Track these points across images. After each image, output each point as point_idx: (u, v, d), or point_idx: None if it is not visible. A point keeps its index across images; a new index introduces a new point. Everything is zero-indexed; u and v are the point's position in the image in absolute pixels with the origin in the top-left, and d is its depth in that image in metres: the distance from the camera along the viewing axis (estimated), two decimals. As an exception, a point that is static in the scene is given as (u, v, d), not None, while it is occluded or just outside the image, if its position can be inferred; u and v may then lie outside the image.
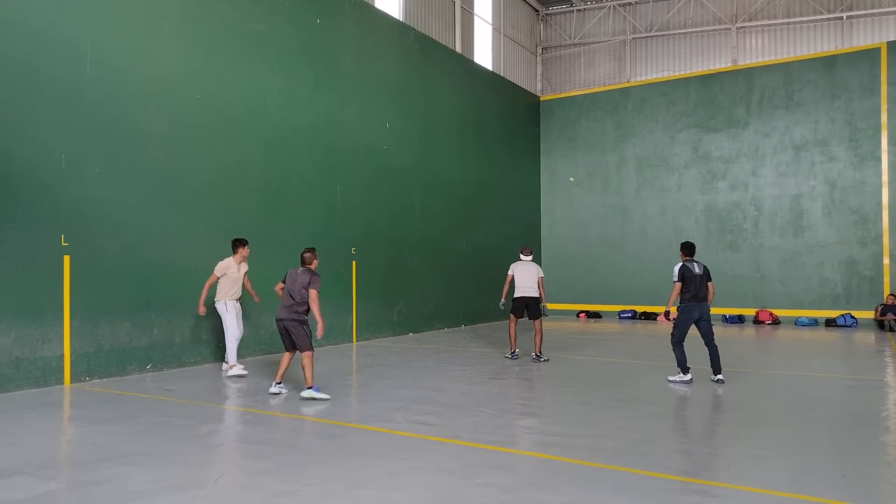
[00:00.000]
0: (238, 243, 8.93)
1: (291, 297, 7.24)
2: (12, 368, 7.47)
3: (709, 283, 8.26)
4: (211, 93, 9.93)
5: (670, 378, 8.22)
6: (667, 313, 8.40)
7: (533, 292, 10.03)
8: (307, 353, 7.15)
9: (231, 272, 8.78)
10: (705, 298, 8.19)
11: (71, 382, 7.99)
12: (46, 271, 7.82)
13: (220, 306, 8.81)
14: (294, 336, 7.22)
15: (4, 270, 7.44)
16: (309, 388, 7.11)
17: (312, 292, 7.18)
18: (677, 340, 8.15)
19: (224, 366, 8.99)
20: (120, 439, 5.40)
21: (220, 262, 8.82)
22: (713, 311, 18.61)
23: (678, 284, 8.14)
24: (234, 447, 5.16)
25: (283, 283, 7.41)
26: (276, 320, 7.34)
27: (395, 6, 14.96)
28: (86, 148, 8.27)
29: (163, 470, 4.58)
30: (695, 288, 8.10)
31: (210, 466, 4.67)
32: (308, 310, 7.28)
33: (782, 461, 4.83)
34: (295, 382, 7.91)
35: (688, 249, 8.44)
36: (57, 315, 7.91)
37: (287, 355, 7.46)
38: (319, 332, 7.26)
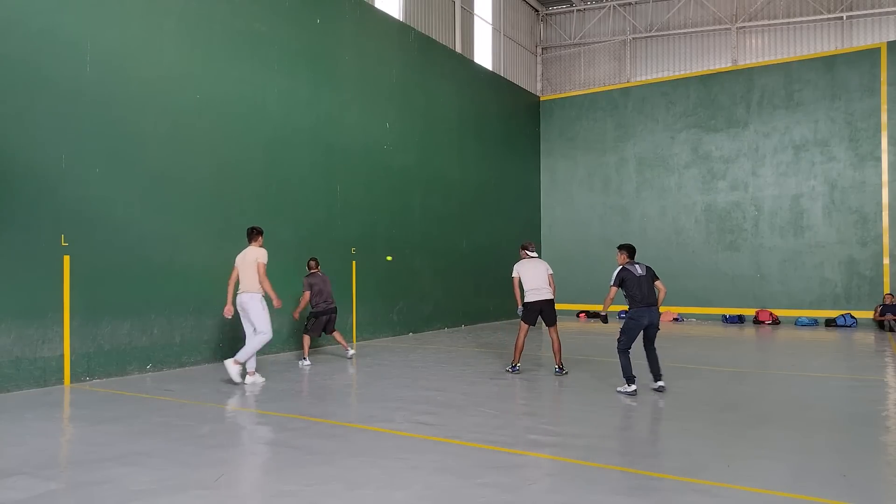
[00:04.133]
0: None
1: (328, 295, 10.00)
2: (12, 368, 7.47)
3: (657, 283, 7.59)
4: (211, 93, 9.93)
5: (618, 389, 7.54)
6: (603, 317, 7.97)
7: (547, 294, 8.80)
8: (337, 331, 10.19)
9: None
10: (655, 302, 7.48)
11: (71, 382, 7.99)
12: (46, 271, 7.82)
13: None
14: (334, 321, 10.12)
15: (4, 270, 7.44)
16: (347, 349, 10.27)
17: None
18: (624, 347, 7.50)
19: (249, 377, 8.07)
20: (120, 439, 5.40)
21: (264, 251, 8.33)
22: (715, 310, 18.99)
23: (614, 289, 7.59)
24: (234, 447, 5.16)
25: (311, 290, 9.81)
26: (322, 313, 9.87)
27: (395, 6, 14.96)
28: (86, 148, 8.27)
29: (163, 470, 4.58)
30: (641, 291, 7.40)
31: (210, 466, 4.67)
32: None
33: (782, 461, 4.83)
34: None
35: (628, 251, 7.76)
36: (57, 315, 7.91)
37: (309, 338, 9.99)
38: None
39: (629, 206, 19.33)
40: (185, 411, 6.51)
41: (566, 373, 8.83)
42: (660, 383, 7.52)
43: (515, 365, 8.99)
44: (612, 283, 7.62)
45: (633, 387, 7.40)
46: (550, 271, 8.96)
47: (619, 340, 7.57)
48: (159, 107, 9.17)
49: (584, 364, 9.82)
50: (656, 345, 7.78)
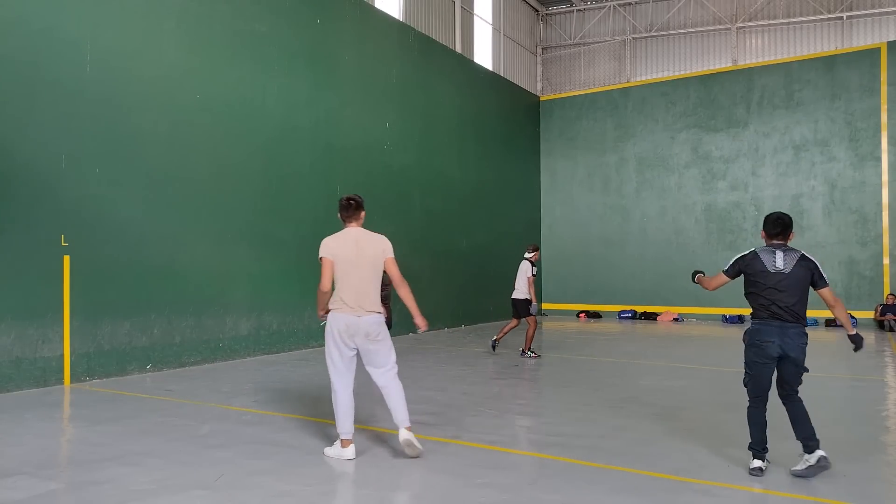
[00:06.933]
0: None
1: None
2: (12, 368, 7.47)
3: (821, 291, 4.54)
4: (211, 93, 9.93)
5: (752, 469, 4.53)
6: (694, 274, 5.63)
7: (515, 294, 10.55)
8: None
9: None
10: (799, 318, 4.47)
11: (71, 382, 7.99)
12: (46, 271, 7.82)
13: None
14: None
15: (4, 270, 7.44)
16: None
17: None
18: (754, 395, 4.67)
19: None
20: (120, 439, 5.40)
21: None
22: (715, 310, 18.97)
23: (722, 278, 5.01)
24: (234, 447, 5.16)
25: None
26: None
27: (395, 6, 14.95)
28: (86, 148, 8.27)
29: (163, 470, 4.58)
30: (772, 294, 4.50)
31: (210, 466, 4.67)
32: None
33: (782, 461, 4.83)
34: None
35: (773, 225, 4.67)
36: (57, 315, 7.91)
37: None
38: None
39: (629, 206, 19.32)
40: (184, 411, 6.51)
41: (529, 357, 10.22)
42: (819, 453, 4.42)
43: (527, 350, 10.36)
44: (724, 268, 4.95)
45: (758, 462, 4.52)
46: (527, 273, 10.37)
47: (745, 385, 4.83)
48: (159, 107, 9.17)
49: (584, 364, 9.83)
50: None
